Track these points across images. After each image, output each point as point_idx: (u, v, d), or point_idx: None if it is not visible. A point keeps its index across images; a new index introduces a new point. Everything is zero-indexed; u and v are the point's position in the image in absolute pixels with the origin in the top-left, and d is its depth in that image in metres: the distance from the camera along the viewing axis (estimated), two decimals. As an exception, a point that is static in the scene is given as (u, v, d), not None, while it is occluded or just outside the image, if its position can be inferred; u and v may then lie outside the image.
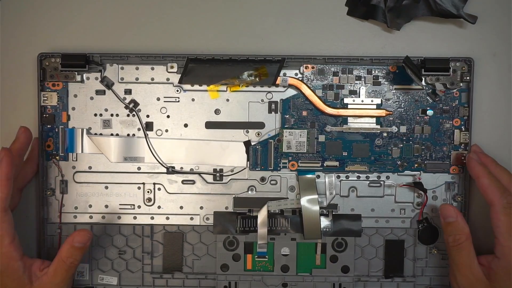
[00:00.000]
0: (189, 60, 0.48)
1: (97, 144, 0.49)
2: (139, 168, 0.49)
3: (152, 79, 0.49)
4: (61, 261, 0.44)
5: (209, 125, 0.49)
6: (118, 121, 0.49)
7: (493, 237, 0.44)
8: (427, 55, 0.48)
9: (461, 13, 0.47)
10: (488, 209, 0.44)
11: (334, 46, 0.50)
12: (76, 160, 0.49)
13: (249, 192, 0.50)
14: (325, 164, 0.49)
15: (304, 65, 0.49)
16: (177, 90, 0.49)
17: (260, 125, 0.49)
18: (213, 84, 0.49)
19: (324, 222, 0.49)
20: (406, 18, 0.49)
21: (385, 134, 0.49)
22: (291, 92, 0.49)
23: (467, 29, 0.49)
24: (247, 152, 0.49)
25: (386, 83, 0.49)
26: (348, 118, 0.49)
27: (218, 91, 0.49)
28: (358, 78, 0.49)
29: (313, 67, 0.49)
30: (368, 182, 0.49)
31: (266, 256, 0.50)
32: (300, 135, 0.49)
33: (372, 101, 0.49)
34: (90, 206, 0.50)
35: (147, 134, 0.49)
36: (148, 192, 0.50)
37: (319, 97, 0.49)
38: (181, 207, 0.50)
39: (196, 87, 0.49)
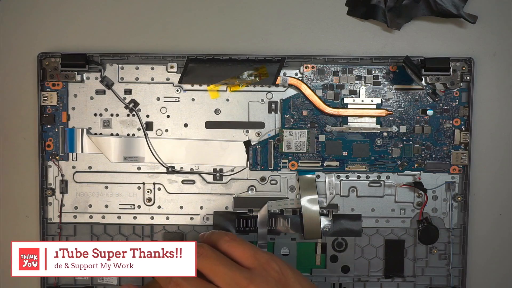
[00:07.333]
0: (189, 60, 0.48)
1: (97, 144, 0.49)
2: (139, 168, 0.49)
3: (152, 79, 0.49)
4: None
5: (209, 125, 0.49)
6: (118, 121, 0.49)
7: None
8: (427, 55, 0.48)
9: (461, 13, 0.47)
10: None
11: (334, 46, 0.50)
12: (76, 160, 0.49)
13: (249, 192, 0.50)
14: (325, 164, 0.49)
15: (304, 65, 0.49)
16: (177, 90, 0.49)
17: (260, 125, 0.49)
18: (213, 84, 0.49)
19: (324, 222, 0.49)
20: (406, 18, 0.49)
21: (385, 134, 0.49)
22: (291, 92, 0.49)
23: (467, 29, 0.49)
24: (247, 152, 0.49)
25: (386, 83, 0.49)
26: (348, 118, 0.49)
27: (218, 91, 0.49)
28: (358, 78, 0.49)
29: (313, 67, 0.49)
30: (368, 182, 0.49)
31: (266, 256, 0.50)
32: (300, 135, 0.49)
33: (372, 101, 0.49)
34: (90, 206, 0.50)
35: (147, 134, 0.49)
36: (148, 192, 0.50)
37: (319, 97, 0.49)
38: (181, 207, 0.50)
39: (196, 87, 0.49)
